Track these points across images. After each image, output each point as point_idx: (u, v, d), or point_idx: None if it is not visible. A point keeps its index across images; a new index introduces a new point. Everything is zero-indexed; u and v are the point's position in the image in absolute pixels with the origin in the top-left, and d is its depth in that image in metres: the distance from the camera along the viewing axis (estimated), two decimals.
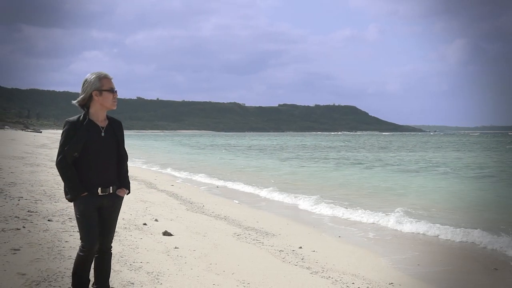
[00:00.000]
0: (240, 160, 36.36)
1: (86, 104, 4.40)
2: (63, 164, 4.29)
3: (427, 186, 19.20)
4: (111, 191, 4.47)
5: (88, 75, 4.41)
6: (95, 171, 4.36)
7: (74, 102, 4.43)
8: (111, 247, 4.66)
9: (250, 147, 64.76)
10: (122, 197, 4.62)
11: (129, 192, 4.64)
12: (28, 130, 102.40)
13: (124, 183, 4.60)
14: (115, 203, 4.55)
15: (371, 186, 19.33)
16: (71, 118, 4.38)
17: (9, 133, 68.85)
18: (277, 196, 15.61)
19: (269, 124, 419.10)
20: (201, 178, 21.58)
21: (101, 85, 4.36)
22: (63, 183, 4.41)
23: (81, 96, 4.37)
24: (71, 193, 4.32)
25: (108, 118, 4.54)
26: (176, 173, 23.65)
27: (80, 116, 4.40)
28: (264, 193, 16.37)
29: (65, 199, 4.44)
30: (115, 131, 4.54)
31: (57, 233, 7.33)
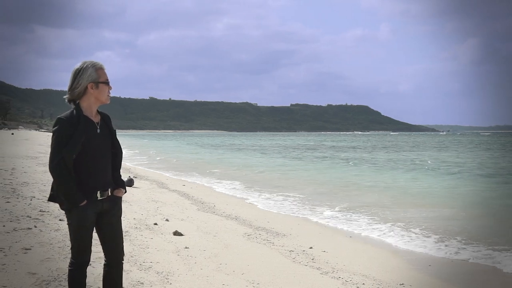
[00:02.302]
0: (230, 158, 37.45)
1: (76, 98, 3.89)
2: (61, 168, 3.70)
3: (432, 185, 19.14)
4: (109, 194, 3.97)
5: (79, 64, 3.89)
6: (92, 172, 3.85)
7: (65, 97, 3.90)
8: (124, 254, 4.19)
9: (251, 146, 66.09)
10: (121, 199, 4.13)
11: (125, 192, 4.15)
12: (42, 130, 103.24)
13: (119, 182, 4.10)
14: (116, 206, 4.05)
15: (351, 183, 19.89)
16: (64, 115, 3.81)
17: (23, 133, 69.45)
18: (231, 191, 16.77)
19: (281, 124, 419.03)
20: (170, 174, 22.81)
21: (98, 76, 3.88)
22: (52, 188, 3.92)
23: (75, 90, 3.84)
24: (69, 202, 3.77)
25: (99, 112, 4.04)
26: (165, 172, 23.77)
27: (72, 112, 3.84)
28: (221, 188, 17.69)
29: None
30: (108, 126, 4.05)
31: (68, 233, 7.35)
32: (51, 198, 3.92)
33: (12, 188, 11.28)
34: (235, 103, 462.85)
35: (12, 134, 60.09)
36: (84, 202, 3.79)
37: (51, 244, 6.65)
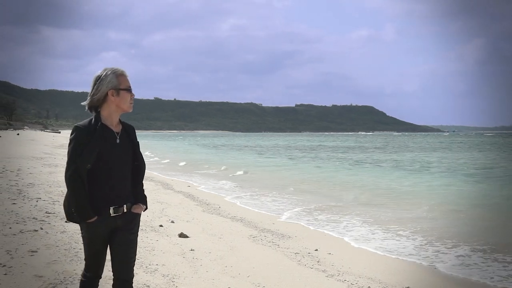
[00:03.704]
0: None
1: (97, 105, 3.70)
2: (75, 178, 3.49)
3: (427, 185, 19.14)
4: (125, 210, 3.69)
5: (100, 71, 3.71)
6: (107, 186, 3.61)
7: (84, 103, 3.71)
8: (133, 276, 3.81)
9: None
10: (140, 215, 3.83)
11: (146, 208, 3.88)
12: (47, 130, 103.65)
13: (140, 197, 3.83)
14: (132, 223, 3.75)
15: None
16: (81, 123, 3.62)
17: (28, 133, 69.68)
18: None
19: (286, 124, 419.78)
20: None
21: (119, 83, 3.67)
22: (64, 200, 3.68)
23: (95, 96, 3.65)
24: (79, 215, 3.55)
25: (121, 122, 3.81)
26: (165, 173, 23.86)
27: (91, 120, 3.64)
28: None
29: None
30: (130, 136, 3.81)
31: (74, 235, 7.38)
32: (69, 217, 3.66)
33: (18, 189, 11.31)
34: (240, 103, 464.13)
35: (18, 134, 60.30)
36: (94, 219, 3.56)
37: (57, 246, 6.67)
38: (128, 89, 3.73)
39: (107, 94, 3.65)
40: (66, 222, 8.22)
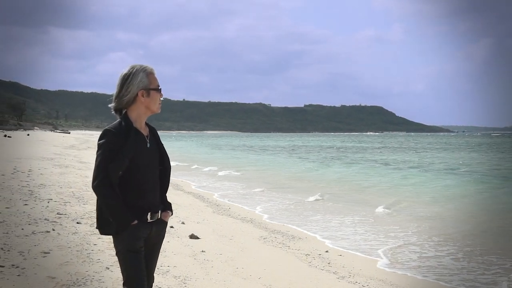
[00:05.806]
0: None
1: (125, 107, 3.41)
2: (106, 186, 3.22)
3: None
4: (159, 216, 3.44)
5: (127, 69, 3.40)
6: (141, 192, 3.35)
7: (111, 105, 3.42)
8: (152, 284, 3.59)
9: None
10: (167, 223, 3.59)
11: (172, 214, 3.59)
12: (57, 131, 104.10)
13: (167, 204, 3.56)
14: (162, 231, 3.53)
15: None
16: (112, 126, 3.33)
17: (38, 134, 69.99)
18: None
19: (295, 125, 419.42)
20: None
21: (149, 82, 3.38)
22: (97, 211, 3.38)
23: (124, 98, 3.36)
24: (118, 224, 3.26)
25: (147, 124, 3.54)
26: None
27: (121, 123, 3.34)
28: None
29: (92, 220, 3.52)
30: (157, 139, 3.56)
31: (86, 236, 7.41)
32: (99, 228, 3.38)
33: (29, 190, 11.35)
34: (249, 103, 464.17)
35: (28, 135, 60.58)
36: (135, 222, 3.29)
37: (69, 247, 6.69)
38: (158, 89, 3.45)
39: (137, 94, 3.37)
40: (77, 223, 8.26)
